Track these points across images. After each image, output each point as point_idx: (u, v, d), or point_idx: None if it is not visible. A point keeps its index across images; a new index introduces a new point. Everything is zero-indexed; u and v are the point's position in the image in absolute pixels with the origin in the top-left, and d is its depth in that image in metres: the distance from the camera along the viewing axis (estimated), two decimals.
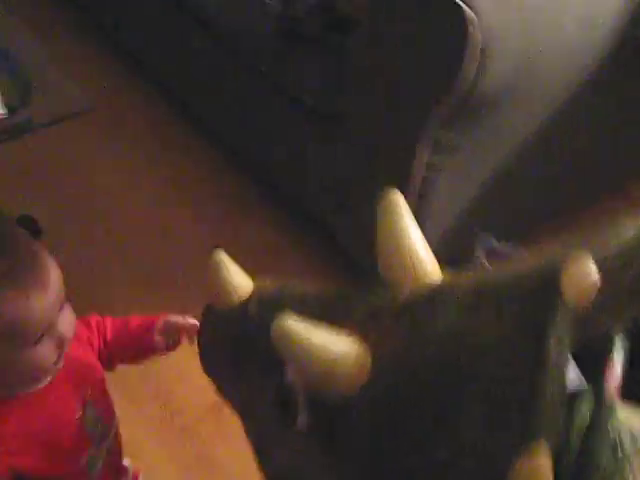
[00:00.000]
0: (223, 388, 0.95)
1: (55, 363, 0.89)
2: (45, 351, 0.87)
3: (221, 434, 1.58)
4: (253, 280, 0.89)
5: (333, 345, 0.73)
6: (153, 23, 2.20)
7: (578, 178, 1.89)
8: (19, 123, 1.53)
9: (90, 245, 2.02)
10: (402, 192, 1.46)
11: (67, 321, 0.90)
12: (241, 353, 0.88)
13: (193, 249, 2.05)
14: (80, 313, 1.80)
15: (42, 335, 0.86)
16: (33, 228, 1.97)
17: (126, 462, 1.10)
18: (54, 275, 0.87)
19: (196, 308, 1.79)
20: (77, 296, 1.83)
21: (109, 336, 1.04)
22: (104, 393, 1.01)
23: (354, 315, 0.78)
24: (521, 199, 1.85)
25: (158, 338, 1.02)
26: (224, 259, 0.88)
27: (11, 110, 1.52)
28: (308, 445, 0.80)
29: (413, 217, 0.81)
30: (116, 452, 1.03)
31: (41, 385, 0.91)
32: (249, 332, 0.86)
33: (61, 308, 0.89)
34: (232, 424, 1.58)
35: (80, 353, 0.97)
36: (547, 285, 0.67)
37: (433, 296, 0.75)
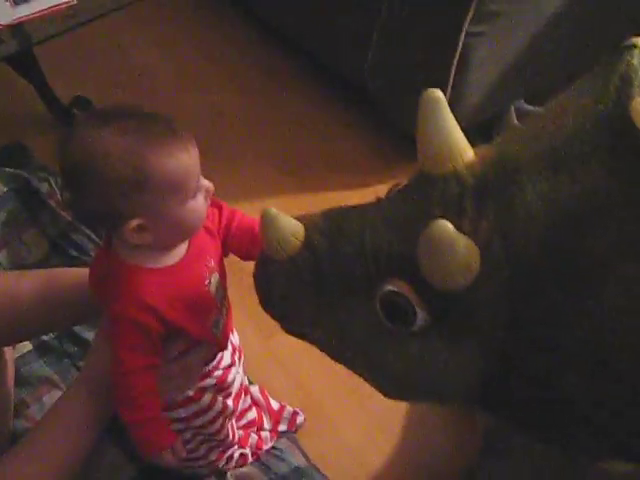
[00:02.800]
0: (297, 327, 0.97)
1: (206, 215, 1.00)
2: (201, 203, 0.98)
3: None
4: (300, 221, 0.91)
5: (464, 242, 0.77)
6: None
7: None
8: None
9: None
10: (444, 58, 1.47)
11: (204, 178, 0.99)
12: (321, 287, 0.89)
13: (239, 122, 2.17)
14: None
15: (196, 189, 0.96)
16: (89, 108, 2.09)
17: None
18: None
19: (255, 179, 1.96)
20: None
21: (234, 227, 1.10)
22: (222, 262, 1.10)
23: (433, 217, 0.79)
24: (554, 63, 1.90)
25: None
26: (276, 214, 0.89)
27: None
28: (425, 344, 0.84)
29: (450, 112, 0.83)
30: (229, 315, 1.14)
31: (180, 254, 1.01)
32: (324, 266, 0.88)
33: None
34: None
35: (208, 226, 1.07)
36: (615, 123, 0.73)
37: (504, 173, 0.79)
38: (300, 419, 1.48)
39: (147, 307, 0.97)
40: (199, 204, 0.98)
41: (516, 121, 1.74)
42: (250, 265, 1.72)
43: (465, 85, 1.76)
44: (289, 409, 1.48)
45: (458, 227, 0.77)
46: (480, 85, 1.80)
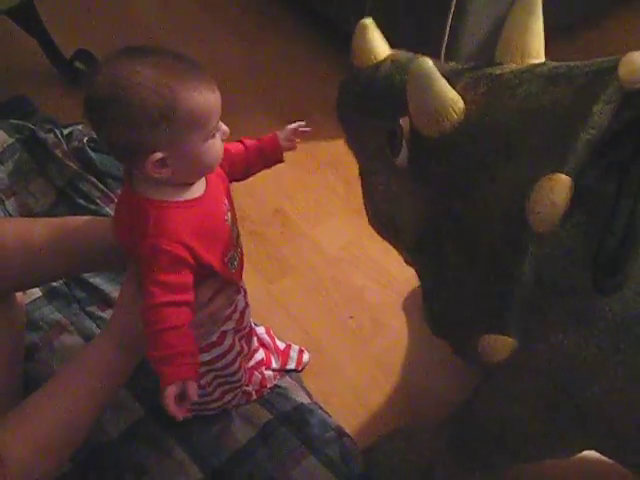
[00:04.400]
0: (347, 132, 1.16)
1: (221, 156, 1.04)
2: (218, 142, 1.02)
3: (285, 236, 1.79)
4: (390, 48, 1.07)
5: (448, 89, 0.93)
6: None
7: None
8: None
9: None
10: (441, 8, 1.52)
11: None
12: (366, 102, 1.06)
13: (237, 71, 2.20)
14: None
15: (216, 129, 1.00)
16: (91, 61, 2.09)
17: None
18: None
19: (253, 127, 1.98)
20: None
21: (236, 159, 1.17)
22: (232, 202, 1.14)
23: (462, 79, 0.97)
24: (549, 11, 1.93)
25: (284, 143, 1.18)
26: (370, 25, 1.04)
27: None
28: (400, 183, 1.02)
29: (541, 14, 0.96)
30: (242, 254, 1.18)
31: (201, 190, 1.05)
32: (376, 86, 1.03)
33: None
34: (293, 227, 1.78)
35: (218, 168, 1.10)
36: (609, 66, 0.83)
37: (523, 70, 0.93)
38: (306, 357, 1.54)
39: (178, 240, 0.99)
40: (217, 143, 1.02)
41: None
42: (251, 214, 1.77)
43: (461, 34, 1.77)
44: (295, 347, 1.53)
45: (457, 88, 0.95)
46: (475, 34, 1.82)
